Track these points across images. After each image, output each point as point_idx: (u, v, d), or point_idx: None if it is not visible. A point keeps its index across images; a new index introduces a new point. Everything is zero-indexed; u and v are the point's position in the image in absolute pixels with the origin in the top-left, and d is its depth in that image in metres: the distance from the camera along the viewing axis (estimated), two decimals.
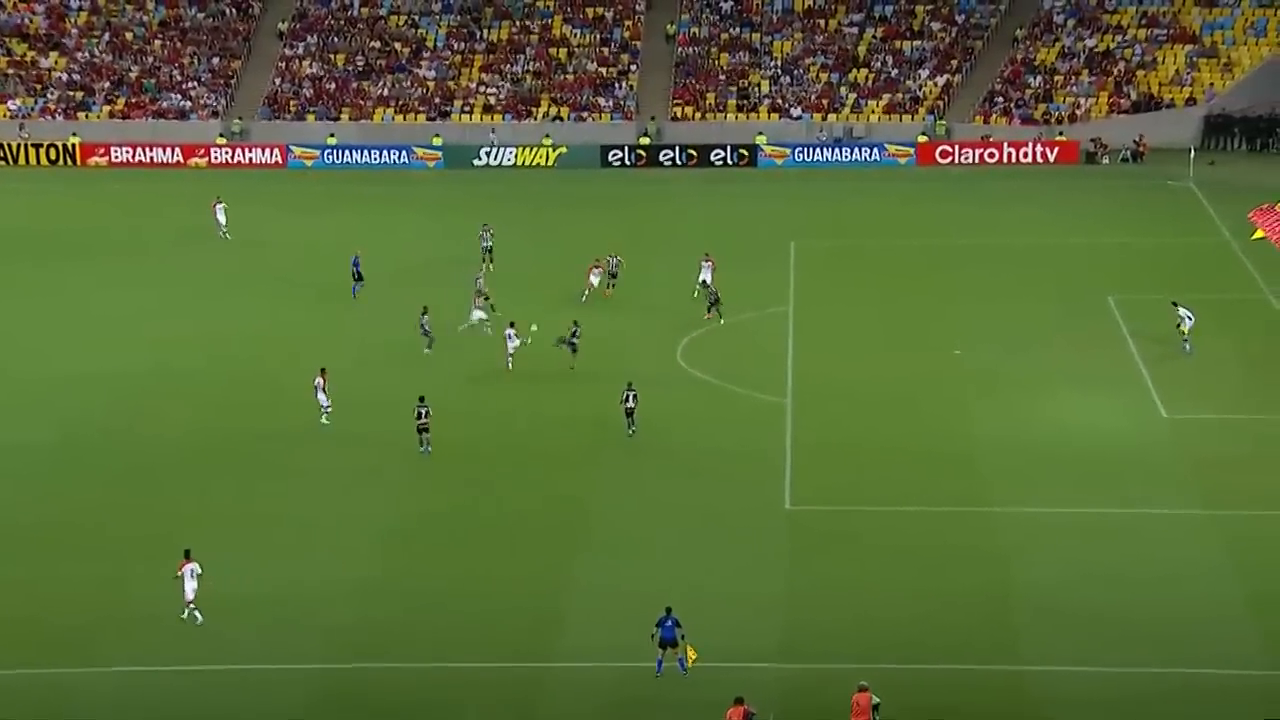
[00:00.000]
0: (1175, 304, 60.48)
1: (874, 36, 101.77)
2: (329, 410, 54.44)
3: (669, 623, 39.05)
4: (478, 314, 62.70)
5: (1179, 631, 41.33)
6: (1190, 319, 59.69)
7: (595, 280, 67.14)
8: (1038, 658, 40.15)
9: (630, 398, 53.36)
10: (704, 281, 66.85)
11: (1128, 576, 44.16)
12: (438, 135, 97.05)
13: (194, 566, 42.07)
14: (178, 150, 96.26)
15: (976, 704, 38.45)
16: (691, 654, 38.98)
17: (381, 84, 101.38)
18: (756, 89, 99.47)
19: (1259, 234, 67.36)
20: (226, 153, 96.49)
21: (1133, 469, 51.14)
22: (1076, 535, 46.76)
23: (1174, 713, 38.15)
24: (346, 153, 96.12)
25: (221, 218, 78.03)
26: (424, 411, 52.13)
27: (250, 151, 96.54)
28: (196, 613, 41.89)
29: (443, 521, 48.11)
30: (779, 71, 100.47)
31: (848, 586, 43.70)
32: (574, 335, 58.45)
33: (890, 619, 42.00)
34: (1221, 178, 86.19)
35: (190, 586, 41.96)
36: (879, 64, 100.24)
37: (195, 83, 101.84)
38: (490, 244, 72.04)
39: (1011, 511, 48.20)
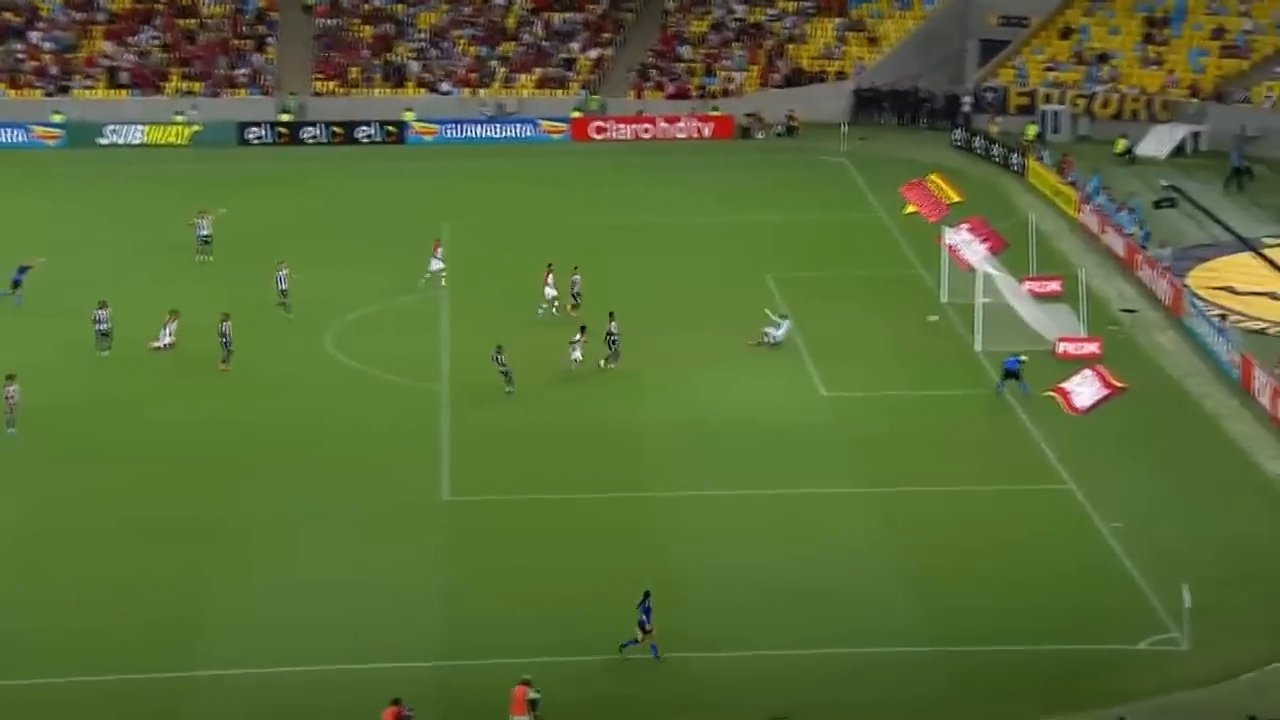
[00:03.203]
0: (769, 313, 60.03)
1: (523, 8, 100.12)
2: None
3: (644, 606, 38.74)
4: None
5: (840, 609, 41.77)
6: (779, 329, 59.11)
7: (551, 292, 61.67)
8: (702, 642, 39.81)
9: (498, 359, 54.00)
10: (433, 269, 64.34)
11: (790, 556, 44.35)
12: (58, 112, 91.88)
13: None
14: None
15: (639, 690, 38.15)
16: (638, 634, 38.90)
17: None
18: (403, 62, 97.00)
19: (910, 209, 67.86)
20: None
21: (793, 448, 51.10)
22: (739, 516, 46.64)
23: (837, 689, 38.47)
24: None
25: None
26: (12, 391, 50.59)
27: None
28: None
29: (78, 527, 45.52)
30: (426, 44, 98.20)
31: (510, 577, 42.82)
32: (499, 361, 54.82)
33: (553, 609, 41.32)
34: (872, 152, 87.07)
35: None
36: (529, 36, 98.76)
37: None
38: (208, 232, 67.91)
39: (674, 495, 47.78)
